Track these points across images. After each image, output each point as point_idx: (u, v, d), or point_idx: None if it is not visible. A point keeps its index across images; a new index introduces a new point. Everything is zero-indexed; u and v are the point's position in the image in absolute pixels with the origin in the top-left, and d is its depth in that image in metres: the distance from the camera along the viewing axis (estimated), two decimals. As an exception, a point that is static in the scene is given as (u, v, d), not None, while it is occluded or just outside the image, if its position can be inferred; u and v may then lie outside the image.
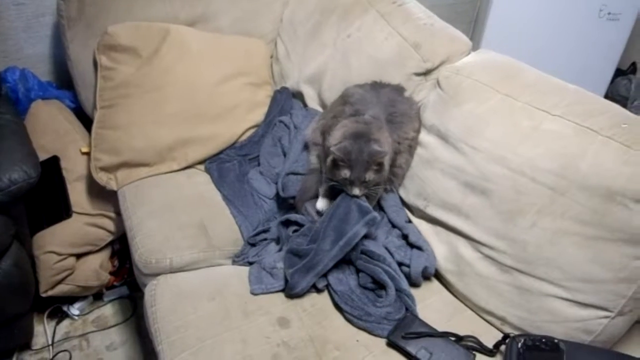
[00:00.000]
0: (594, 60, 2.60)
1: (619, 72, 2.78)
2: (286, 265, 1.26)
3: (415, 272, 1.28)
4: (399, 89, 1.47)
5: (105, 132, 1.62)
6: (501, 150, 1.21)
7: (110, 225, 1.71)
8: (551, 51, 2.51)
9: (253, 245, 1.42)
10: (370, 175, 1.24)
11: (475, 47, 1.51)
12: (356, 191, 1.25)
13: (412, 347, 1.12)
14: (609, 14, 2.45)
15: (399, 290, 1.24)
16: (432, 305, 1.27)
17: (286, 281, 1.26)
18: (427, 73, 1.47)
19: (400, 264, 1.30)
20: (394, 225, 1.41)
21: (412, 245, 1.35)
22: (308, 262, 1.23)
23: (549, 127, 1.16)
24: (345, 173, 1.24)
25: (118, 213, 1.59)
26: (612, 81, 2.77)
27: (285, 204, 1.50)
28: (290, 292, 1.24)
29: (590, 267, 1.08)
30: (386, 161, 1.27)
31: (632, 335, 1.16)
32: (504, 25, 2.48)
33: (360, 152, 1.22)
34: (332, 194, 1.33)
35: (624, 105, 2.70)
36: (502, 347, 1.14)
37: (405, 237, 1.37)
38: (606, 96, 2.79)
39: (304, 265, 1.23)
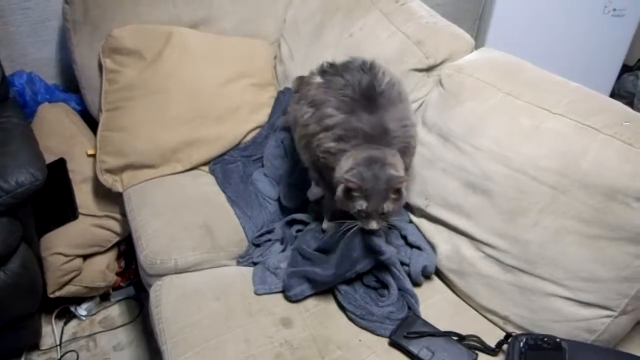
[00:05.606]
0: (599, 57, 2.58)
1: (625, 69, 2.76)
2: (288, 263, 1.26)
3: (414, 271, 1.28)
4: None
5: (111, 134, 1.64)
6: (502, 149, 1.20)
7: (116, 226, 1.73)
8: (556, 48, 2.50)
9: (257, 246, 1.42)
10: (389, 206, 1.09)
11: (480, 44, 1.51)
12: (373, 225, 1.11)
13: (414, 347, 1.12)
14: (614, 10, 2.43)
15: (402, 289, 1.24)
16: (434, 305, 1.27)
17: None
18: (429, 69, 1.47)
19: (400, 264, 1.30)
20: (393, 226, 1.40)
21: (411, 245, 1.35)
22: (310, 274, 1.22)
23: (550, 125, 1.16)
24: (361, 204, 1.09)
25: (124, 214, 1.61)
26: (619, 78, 2.75)
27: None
28: (286, 292, 1.24)
29: (592, 266, 1.08)
30: (404, 188, 1.11)
31: (634, 334, 1.15)
32: (508, 22, 2.47)
33: (376, 179, 1.07)
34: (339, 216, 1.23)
35: (631, 102, 2.68)
36: (505, 347, 1.13)
37: (404, 237, 1.37)
38: (613, 93, 2.77)
39: (304, 272, 1.23)
